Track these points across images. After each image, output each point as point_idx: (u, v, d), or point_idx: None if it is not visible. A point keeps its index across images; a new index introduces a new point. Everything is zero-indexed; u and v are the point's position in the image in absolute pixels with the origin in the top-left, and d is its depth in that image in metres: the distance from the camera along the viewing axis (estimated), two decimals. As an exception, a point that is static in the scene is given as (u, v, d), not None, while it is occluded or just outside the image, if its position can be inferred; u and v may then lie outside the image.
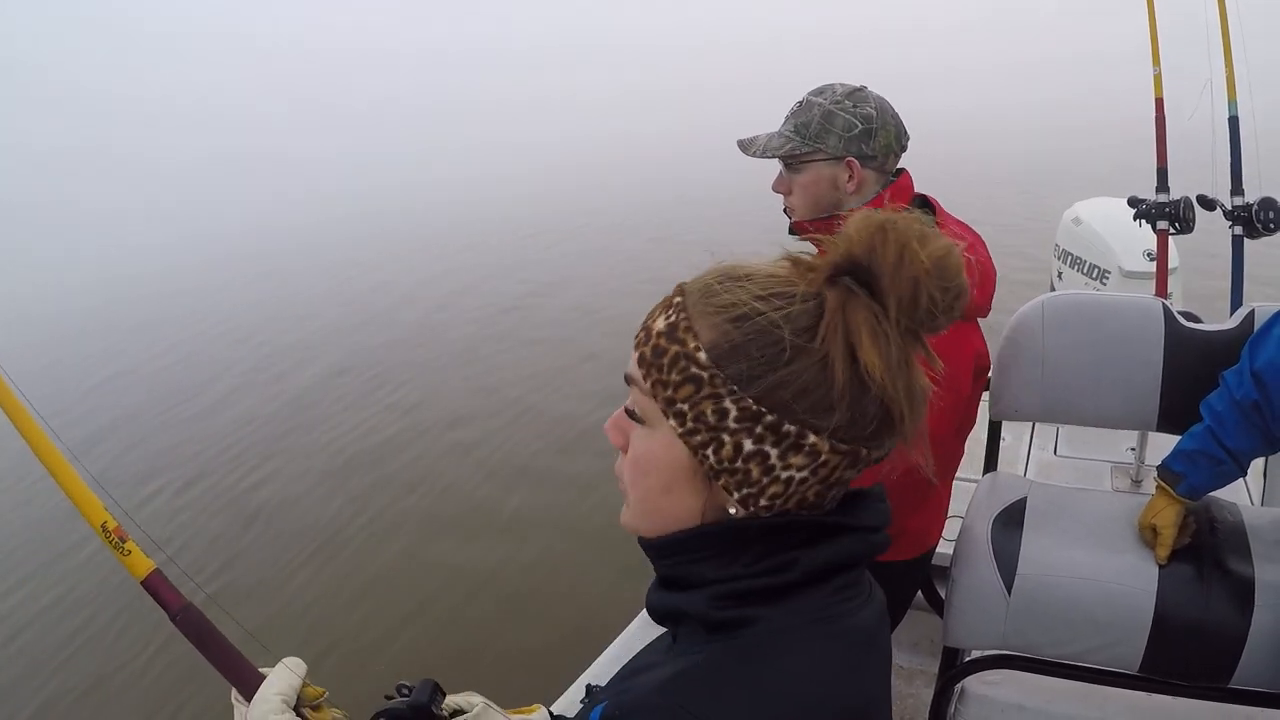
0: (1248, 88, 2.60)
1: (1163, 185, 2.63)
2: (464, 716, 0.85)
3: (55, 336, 12.08)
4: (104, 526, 0.89)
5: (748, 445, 0.56)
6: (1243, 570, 1.32)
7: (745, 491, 0.58)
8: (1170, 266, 2.72)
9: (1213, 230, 2.72)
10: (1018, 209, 11.98)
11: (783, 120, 1.37)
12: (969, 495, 1.67)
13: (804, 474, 0.57)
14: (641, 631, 2.04)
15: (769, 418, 0.56)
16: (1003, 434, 1.88)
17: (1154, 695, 1.44)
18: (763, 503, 0.58)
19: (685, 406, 0.57)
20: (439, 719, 0.81)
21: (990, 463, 1.86)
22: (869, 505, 0.63)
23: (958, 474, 1.50)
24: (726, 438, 0.57)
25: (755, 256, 0.61)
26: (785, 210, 1.42)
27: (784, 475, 0.57)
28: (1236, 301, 2.60)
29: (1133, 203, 2.66)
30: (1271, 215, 2.47)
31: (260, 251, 17.73)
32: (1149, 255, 2.90)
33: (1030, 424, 2.99)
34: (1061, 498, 1.61)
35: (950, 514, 1.54)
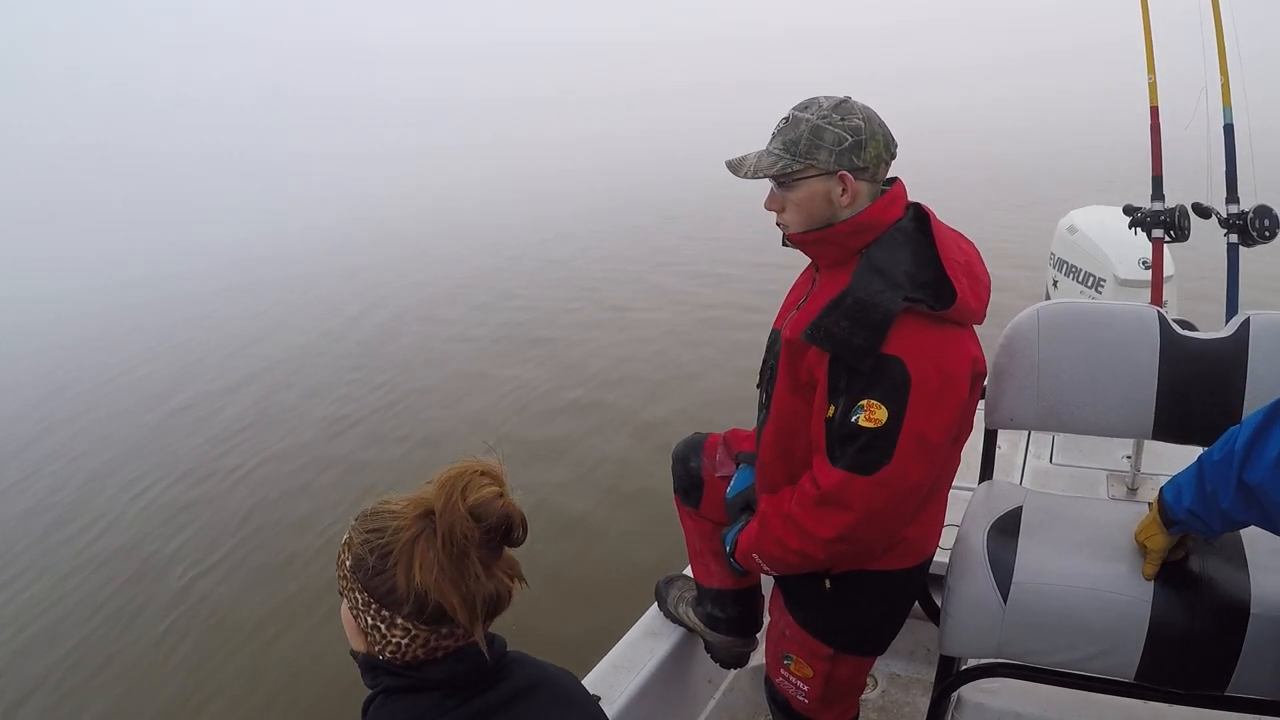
0: (1243, 95, 2.61)
1: (1158, 193, 2.64)
2: None
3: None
4: None
5: (370, 619, 0.95)
6: (1238, 578, 1.32)
7: (378, 646, 0.95)
8: (1165, 275, 2.72)
9: (1208, 238, 2.72)
10: (1012, 217, 12.01)
11: (769, 138, 1.37)
12: (965, 504, 1.66)
13: (405, 640, 0.94)
14: (641, 640, 2.03)
15: (373, 605, 0.94)
16: (998, 442, 1.88)
17: (1150, 703, 1.43)
18: (388, 654, 0.95)
19: (347, 592, 0.96)
20: None
21: (986, 471, 1.86)
22: (443, 664, 0.96)
23: (953, 483, 1.50)
24: (361, 613, 0.95)
25: (396, 493, 0.99)
26: (779, 225, 1.42)
27: (392, 640, 0.94)
28: (1232, 310, 2.61)
29: (1128, 211, 2.67)
30: (1267, 223, 2.48)
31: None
32: (1144, 263, 2.90)
33: (1026, 432, 2.99)
34: (1057, 506, 1.61)
35: (946, 523, 1.54)
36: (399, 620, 0.93)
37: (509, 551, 0.98)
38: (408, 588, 0.91)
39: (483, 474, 0.94)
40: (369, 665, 0.98)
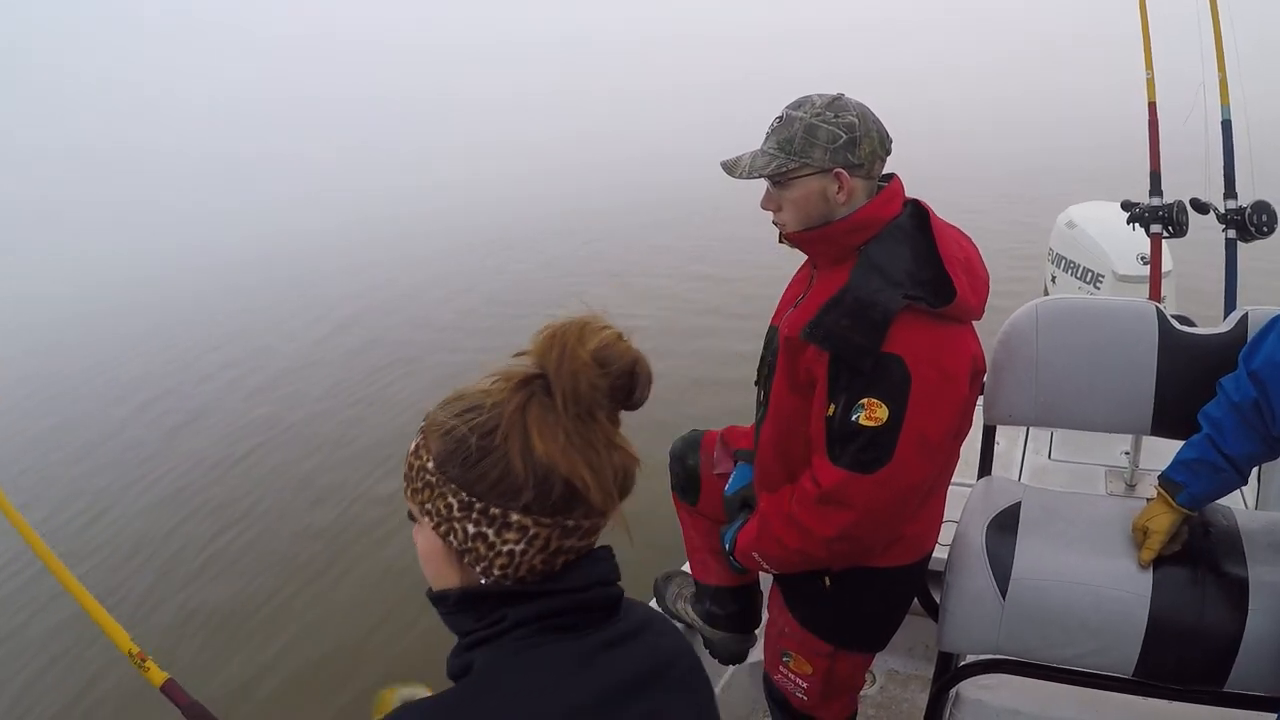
0: (1241, 91, 2.61)
1: (1156, 189, 2.64)
2: None
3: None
4: (130, 653, 1.26)
5: (470, 529, 0.73)
6: (1237, 574, 1.33)
7: (482, 565, 0.74)
8: (1164, 270, 2.72)
9: (1206, 234, 2.72)
10: (1011, 212, 12.01)
11: (763, 138, 1.37)
12: (963, 500, 1.66)
13: (521, 546, 0.73)
14: None
15: (478, 505, 0.73)
16: (997, 438, 1.88)
17: (1149, 699, 1.43)
18: (496, 572, 0.74)
19: (429, 505, 0.75)
20: None
21: (984, 467, 1.86)
22: (581, 568, 0.77)
23: (952, 479, 1.50)
24: (456, 525, 0.74)
25: (481, 375, 0.78)
26: (775, 224, 1.41)
27: (504, 549, 0.73)
28: (1230, 305, 2.60)
29: (1126, 206, 2.67)
30: (1265, 219, 2.48)
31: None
32: (1142, 259, 2.90)
33: (1024, 428, 2.99)
34: (1056, 502, 1.61)
35: (945, 519, 1.54)
36: (514, 517, 0.72)
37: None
38: (526, 467, 0.71)
39: (595, 319, 0.76)
40: (473, 597, 0.75)
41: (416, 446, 0.77)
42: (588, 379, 0.72)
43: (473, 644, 0.74)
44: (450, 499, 0.74)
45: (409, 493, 0.78)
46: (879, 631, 1.55)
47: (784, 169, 1.32)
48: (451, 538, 0.75)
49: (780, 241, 1.44)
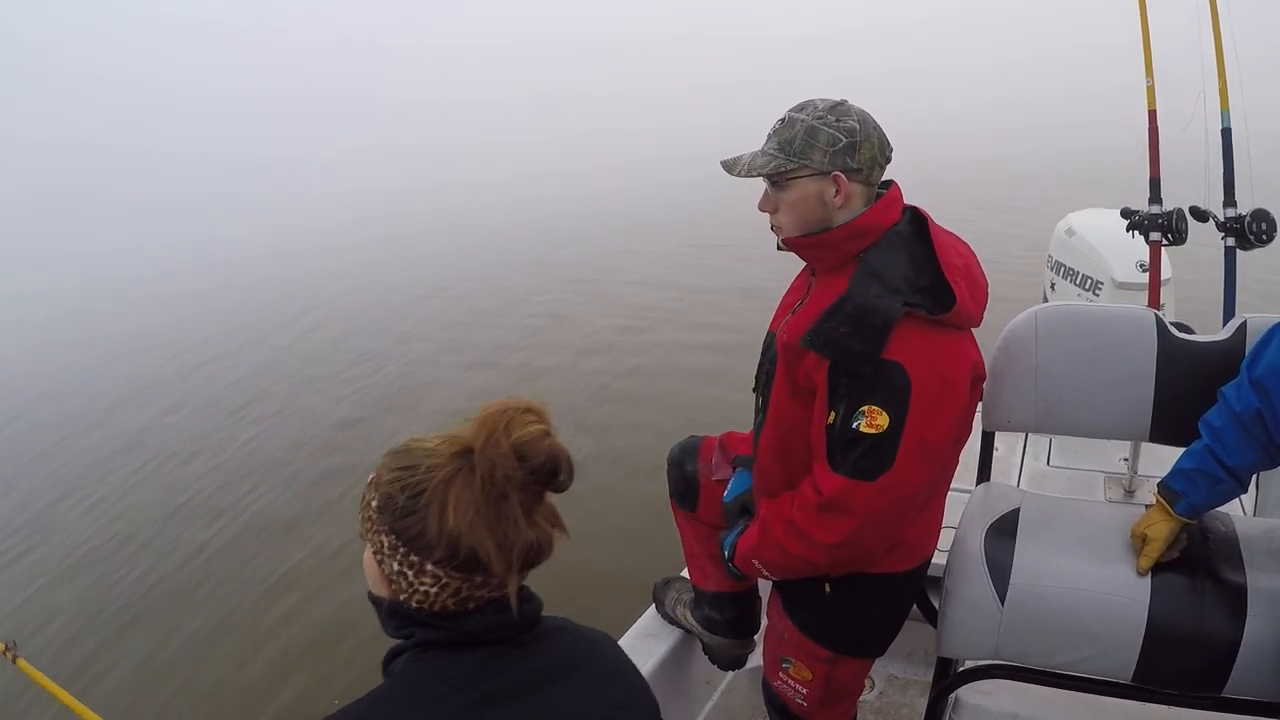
0: (1241, 99, 2.62)
1: (1155, 196, 2.64)
2: None
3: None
4: None
5: (396, 566, 0.87)
6: (1235, 580, 1.33)
7: (404, 594, 0.87)
8: (1163, 278, 2.73)
9: (1205, 242, 2.73)
10: (1009, 219, 12.02)
11: (765, 139, 1.38)
12: (962, 506, 1.67)
13: (435, 589, 0.86)
14: (639, 642, 2.03)
15: (401, 549, 0.86)
16: (996, 444, 1.88)
17: (1148, 705, 1.44)
18: (415, 603, 0.87)
19: (370, 536, 0.89)
20: None
21: (983, 473, 1.86)
22: (480, 615, 0.88)
23: (951, 484, 1.50)
24: (386, 559, 0.87)
25: (433, 431, 0.91)
26: (773, 228, 1.42)
27: (420, 588, 0.86)
28: (1229, 313, 2.61)
29: (1125, 214, 2.68)
30: (1264, 227, 2.48)
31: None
32: (1142, 266, 2.90)
33: (1023, 434, 2.99)
34: (1054, 508, 1.61)
35: (944, 525, 1.54)
36: (428, 566, 0.85)
37: (549, 499, 0.90)
38: (440, 531, 0.83)
39: (527, 411, 0.86)
40: (396, 611, 0.89)
41: (370, 484, 0.90)
42: (504, 469, 0.82)
43: (397, 649, 0.90)
44: (383, 538, 0.87)
45: (360, 518, 0.91)
46: (878, 637, 1.55)
47: (782, 169, 1.33)
48: (383, 565, 0.88)
49: (779, 248, 1.44)
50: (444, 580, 0.85)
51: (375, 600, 0.92)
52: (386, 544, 0.86)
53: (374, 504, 0.88)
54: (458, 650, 0.87)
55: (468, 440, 0.84)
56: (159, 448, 7.31)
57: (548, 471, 0.85)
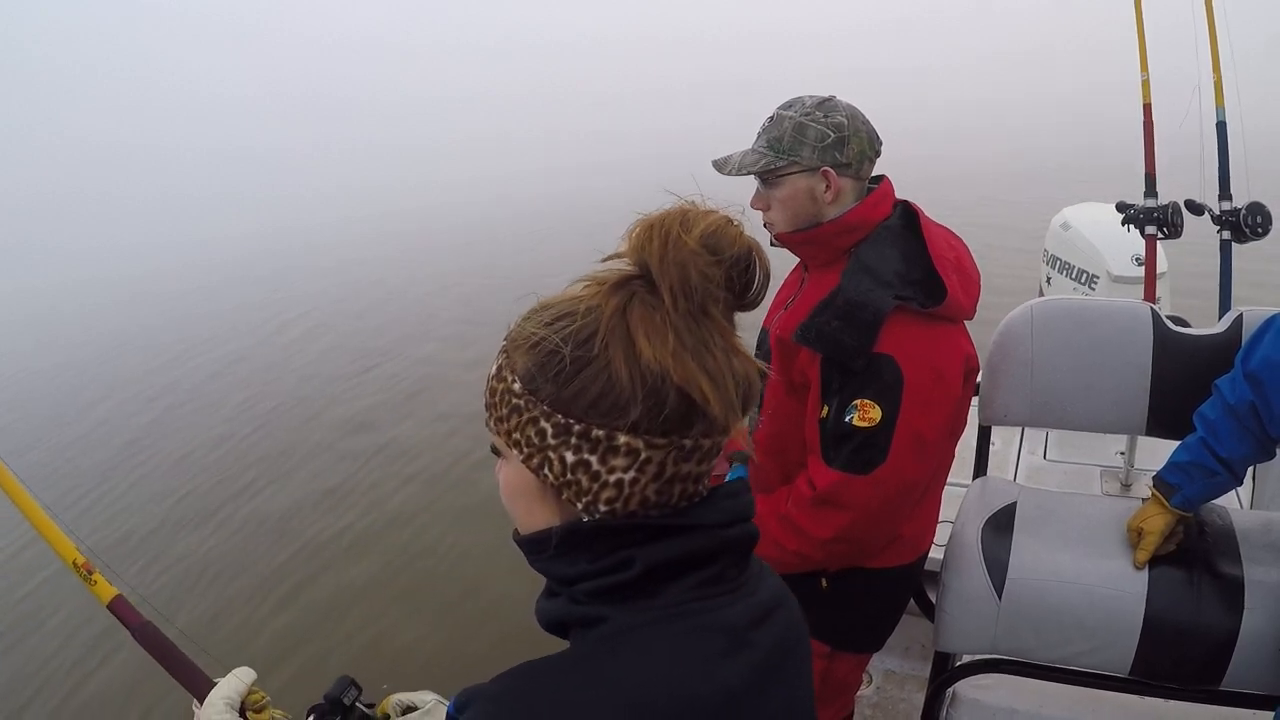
0: (1236, 93, 2.62)
1: (1151, 190, 2.65)
2: (414, 713, 0.91)
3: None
4: (74, 562, 1.09)
5: (569, 457, 0.61)
6: (1232, 573, 1.33)
7: (585, 500, 0.62)
8: (1159, 271, 2.73)
9: (1201, 235, 2.73)
10: (1005, 214, 12.04)
11: (754, 138, 1.38)
12: (959, 500, 1.67)
13: (631, 474, 0.61)
14: None
15: (577, 427, 0.60)
16: (992, 439, 1.88)
17: (1145, 698, 1.44)
18: (602, 508, 0.62)
19: (518, 435, 0.63)
20: (357, 709, 0.93)
21: (980, 468, 1.86)
22: (716, 502, 0.65)
23: (948, 479, 1.50)
24: (552, 454, 0.61)
25: (565, 283, 0.66)
26: (765, 225, 1.42)
27: (611, 479, 0.61)
28: (1225, 306, 2.61)
29: (1121, 208, 2.68)
30: (1259, 220, 2.49)
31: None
32: (1137, 260, 2.91)
33: (1019, 428, 3.00)
34: (1051, 502, 1.61)
35: (941, 519, 1.54)
36: (621, 439, 0.60)
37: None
38: (633, 378, 0.59)
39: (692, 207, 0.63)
40: (588, 536, 0.62)
41: (498, 368, 0.65)
42: (698, 269, 0.59)
43: (595, 592, 0.61)
44: (543, 423, 0.61)
45: (492, 422, 0.65)
46: (876, 632, 1.55)
47: (772, 166, 1.33)
48: (546, 470, 0.62)
49: (772, 244, 1.44)
50: (644, 454, 0.60)
51: (536, 541, 0.65)
52: (551, 429, 0.61)
53: (517, 384, 0.62)
54: (695, 568, 0.62)
55: (632, 261, 0.62)
56: (156, 445, 7.29)
57: (745, 273, 0.63)
